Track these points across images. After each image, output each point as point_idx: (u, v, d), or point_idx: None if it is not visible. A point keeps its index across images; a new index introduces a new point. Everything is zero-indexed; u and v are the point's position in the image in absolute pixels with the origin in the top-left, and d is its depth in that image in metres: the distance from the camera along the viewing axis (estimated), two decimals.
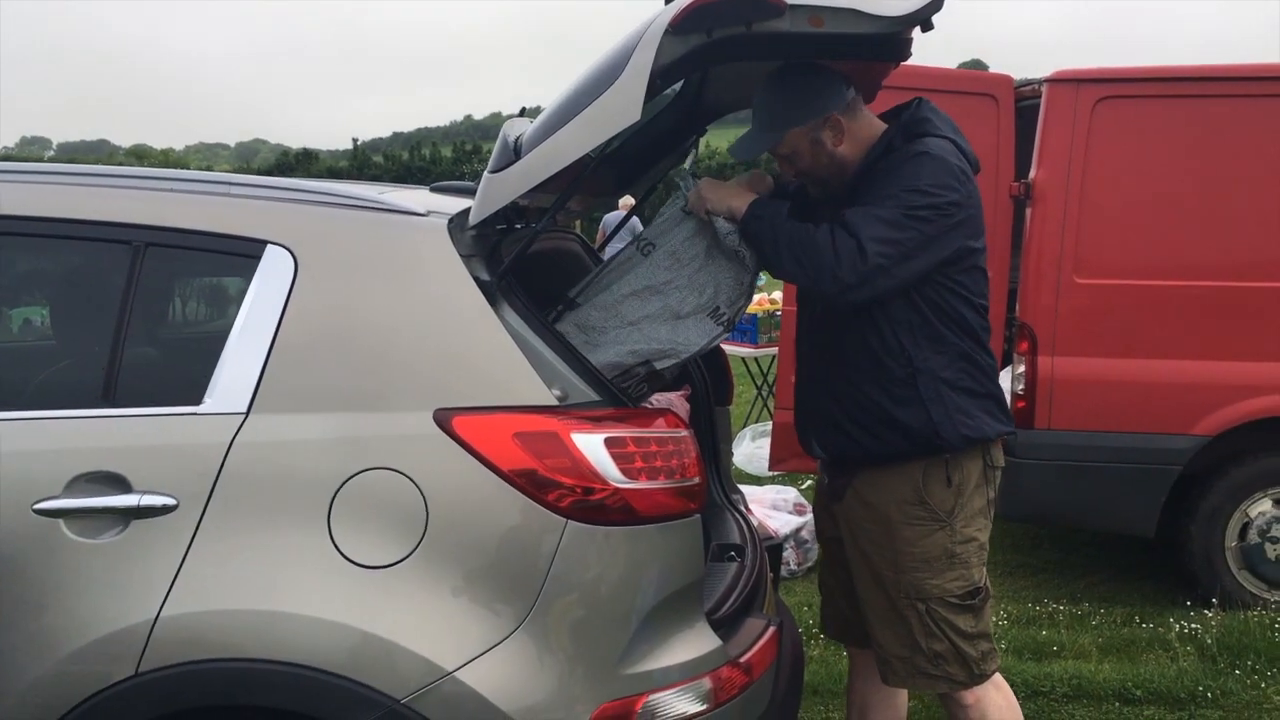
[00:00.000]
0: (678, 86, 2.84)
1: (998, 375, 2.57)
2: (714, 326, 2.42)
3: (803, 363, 2.69)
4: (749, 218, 2.39)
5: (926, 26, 2.23)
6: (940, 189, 2.34)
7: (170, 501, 2.01)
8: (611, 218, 12.69)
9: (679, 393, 3.17)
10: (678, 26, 2.04)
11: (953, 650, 2.49)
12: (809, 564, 5.08)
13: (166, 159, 67.84)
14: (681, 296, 2.39)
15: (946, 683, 2.52)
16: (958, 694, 2.54)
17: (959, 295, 2.44)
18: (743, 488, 3.61)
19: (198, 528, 2.01)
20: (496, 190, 2.13)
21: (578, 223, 4.53)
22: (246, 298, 2.13)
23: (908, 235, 2.31)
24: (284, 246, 2.14)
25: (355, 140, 45.12)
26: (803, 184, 2.63)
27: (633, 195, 3.66)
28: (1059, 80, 4.63)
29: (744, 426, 7.16)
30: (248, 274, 2.14)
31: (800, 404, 2.70)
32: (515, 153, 2.15)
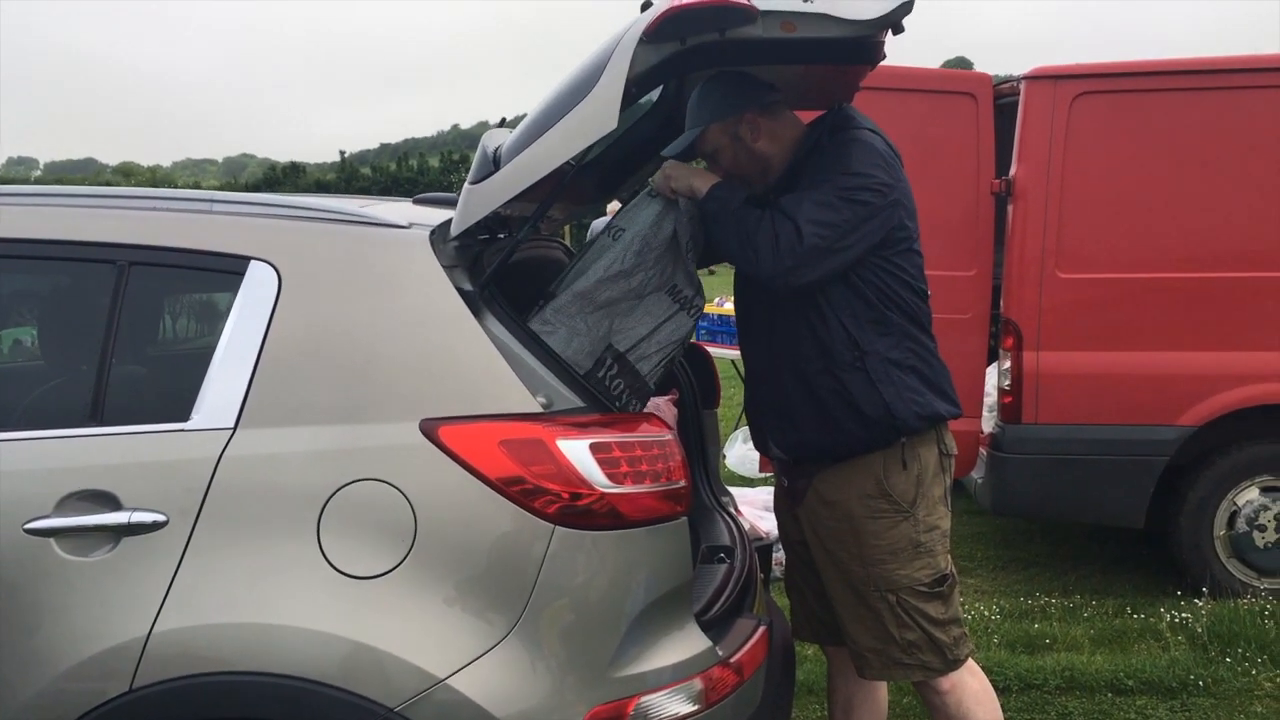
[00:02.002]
0: (656, 93, 2.87)
1: (941, 360, 2.61)
2: (671, 303, 2.45)
3: (750, 362, 2.72)
4: (707, 197, 2.45)
5: (897, 30, 2.25)
6: (870, 170, 2.42)
7: (160, 518, 2.03)
8: (599, 224, 12.70)
9: (666, 397, 3.18)
10: (651, 35, 2.05)
11: (925, 638, 2.52)
12: None
13: (154, 176, 67.58)
14: (645, 278, 2.42)
15: (922, 671, 2.55)
16: (934, 681, 2.57)
17: (898, 278, 2.49)
18: (734, 490, 3.63)
19: (188, 543, 2.02)
20: (477, 201, 2.16)
21: (566, 229, 4.55)
22: (231, 314, 2.14)
23: (842, 216, 2.36)
24: (267, 262, 2.15)
25: (343, 152, 44.94)
26: None
27: (619, 200, 3.68)
28: (1037, 77, 4.67)
29: (735, 429, 7.17)
30: (232, 290, 2.16)
31: (752, 404, 2.74)
32: (494, 163, 2.18)
